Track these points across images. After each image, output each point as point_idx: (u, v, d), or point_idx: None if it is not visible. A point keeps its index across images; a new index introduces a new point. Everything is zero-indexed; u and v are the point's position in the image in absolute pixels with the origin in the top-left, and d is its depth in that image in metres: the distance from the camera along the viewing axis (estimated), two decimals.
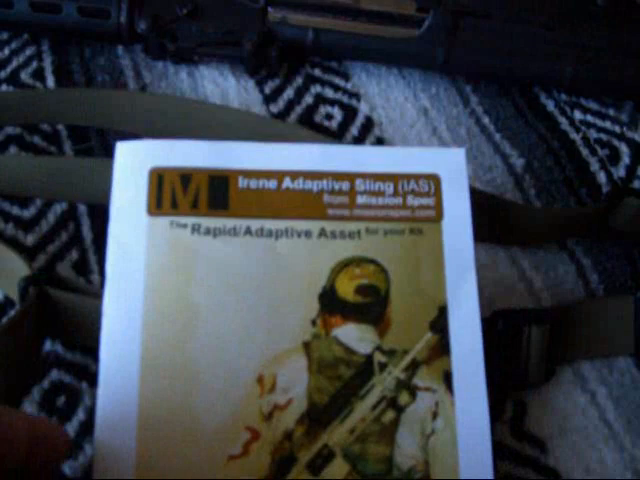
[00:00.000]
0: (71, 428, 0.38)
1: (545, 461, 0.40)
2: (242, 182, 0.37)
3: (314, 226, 0.37)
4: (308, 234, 0.37)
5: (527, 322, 0.39)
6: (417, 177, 0.38)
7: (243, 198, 0.37)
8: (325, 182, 0.38)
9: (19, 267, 0.39)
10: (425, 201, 0.38)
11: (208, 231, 0.36)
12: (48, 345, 0.40)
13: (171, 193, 0.36)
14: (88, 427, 0.37)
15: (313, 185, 0.37)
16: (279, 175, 0.37)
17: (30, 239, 0.44)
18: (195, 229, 0.36)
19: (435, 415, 0.34)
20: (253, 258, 0.36)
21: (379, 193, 0.38)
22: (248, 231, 0.36)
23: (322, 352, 0.35)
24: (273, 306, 0.35)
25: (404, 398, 0.35)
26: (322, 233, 0.37)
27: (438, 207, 0.38)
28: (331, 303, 0.36)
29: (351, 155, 0.39)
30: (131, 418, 0.33)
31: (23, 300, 0.37)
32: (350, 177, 0.38)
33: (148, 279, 0.35)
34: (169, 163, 0.37)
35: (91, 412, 0.37)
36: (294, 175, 0.37)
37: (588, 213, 0.46)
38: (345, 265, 0.36)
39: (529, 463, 0.40)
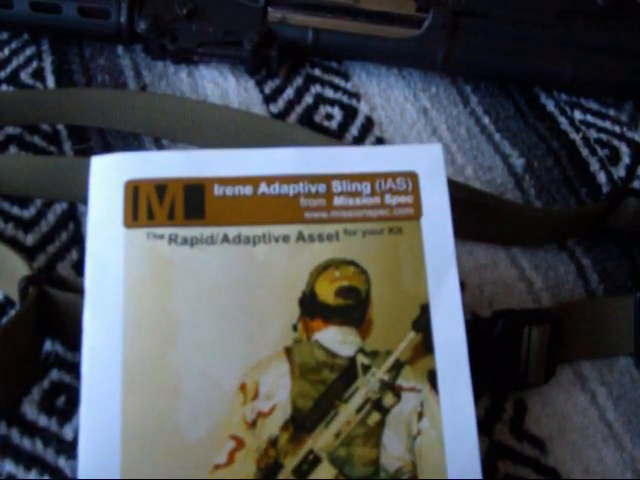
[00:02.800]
0: (71, 428, 0.38)
1: (545, 461, 0.40)
2: (218, 190, 0.37)
3: (292, 230, 0.36)
4: (286, 239, 0.36)
5: (527, 322, 0.39)
6: (394, 175, 0.38)
7: (219, 206, 0.37)
8: (301, 185, 0.37)
9: (19, 267, 0.39)
10: (403, 199, 0.37)
11: (185, 241, 0.36)
12: (48, 345, 0.40)
13: (147, 204, 0.36)
14: None
15: (289, 189, 0.37)
16: (255, 181, 0.37)
17: (30, 239, 0.44)
18: (172, 239, 0.36)
19: (421, 415, 0.34)
20: (231, 265, 0.36)
21: (356, 194, 0.37)
22: (225, 239, 0.36)
23: (304, 357, 0.35)
24: (253, 313, 0.35)
25: (389, 399, 0.34)
26: (300, 237, 0.36)
27: (417, 204, 0.37)
28: (311, 307, 0.35)
29: (327, 157, 0.38)
30: (115, 432, 0.33)
31: (23, 300, 0.37)
32: (326, 179, 0.37)
33: (127, 292, 0.35)
34: (144, 175, 0.37)
35: None
36: (270, 180, 0.37)
37: (588, 213, 0.46)
38: (324, 268, 0.36)
39: (529, 463, 0.40)
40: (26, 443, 0.37)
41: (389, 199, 0.37)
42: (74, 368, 0.39)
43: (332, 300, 0.36)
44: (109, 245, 0.36)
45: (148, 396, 0.33)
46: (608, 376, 0.43)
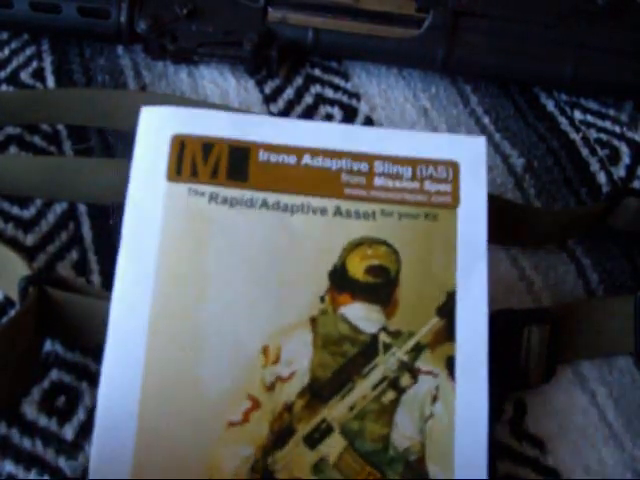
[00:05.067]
0: (71, 428, 0.38)
1: (545, 461, 0.40)
2: (262, 155, 0.37)
3: (330, 204, 0.37)
4: (323, 211, 0.37)
5: (527, 322, 0.39)
6: (436, 163, 0.38)
7: (262, 171, 0.37)
8: (344, 161, 0.38)
9: (19, 267, 0.39)
10: (442, 187, 0.38)
11: (225, 201, 0.36)
12: (48, 345, 0.40)
13: (191, 161, 0.37)
14: (88, 427, 0.37)
15: (332, 163, 0.38)
16: (299, 151, 0.38)
17: (30, 239, 0.44)
18: (213, 198, 0.36)
19: (435, 399, 0.35)
20: (267, 231, 0.36)
21: (397, 176, 0.38)
22: (265, 204, 0.37)
23: (328, 328, 0.35)
24: (283, 279, 0.36)
25: (405, 380, 0.35)
26: (337, 211, 0.37)
27: (455, 194, 0.38)
28: (341, 281, 0.36)
29: (371, 137, 0.39)
30: (136, 377, 0.34)
31: (23, 300, 0.37)
32: (369, 158, 0.38)
33: (163, 243, 0.35)
34: (191, 131, 0.37)
35: (91, 412, 0.37)
36: (314, 152, 0.38)
37: (588, 213, 0.46)
38: (357, 245, 0.37)
39: (529, 463, 0.40)
40: (26, 443, 0.37)
41: (428, 185, 0.38)
42: (74, 368, 0.39)
43: (361, 276, 0.36)
44: (150, 196, 0.36)
45: (172, 346, 0.34)
46: (608, 376, 0.43)
